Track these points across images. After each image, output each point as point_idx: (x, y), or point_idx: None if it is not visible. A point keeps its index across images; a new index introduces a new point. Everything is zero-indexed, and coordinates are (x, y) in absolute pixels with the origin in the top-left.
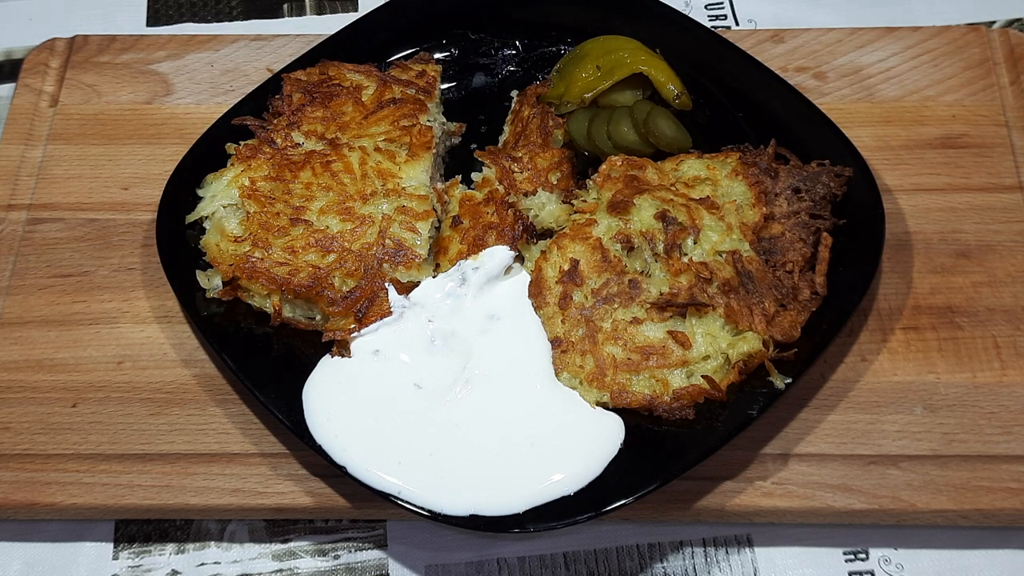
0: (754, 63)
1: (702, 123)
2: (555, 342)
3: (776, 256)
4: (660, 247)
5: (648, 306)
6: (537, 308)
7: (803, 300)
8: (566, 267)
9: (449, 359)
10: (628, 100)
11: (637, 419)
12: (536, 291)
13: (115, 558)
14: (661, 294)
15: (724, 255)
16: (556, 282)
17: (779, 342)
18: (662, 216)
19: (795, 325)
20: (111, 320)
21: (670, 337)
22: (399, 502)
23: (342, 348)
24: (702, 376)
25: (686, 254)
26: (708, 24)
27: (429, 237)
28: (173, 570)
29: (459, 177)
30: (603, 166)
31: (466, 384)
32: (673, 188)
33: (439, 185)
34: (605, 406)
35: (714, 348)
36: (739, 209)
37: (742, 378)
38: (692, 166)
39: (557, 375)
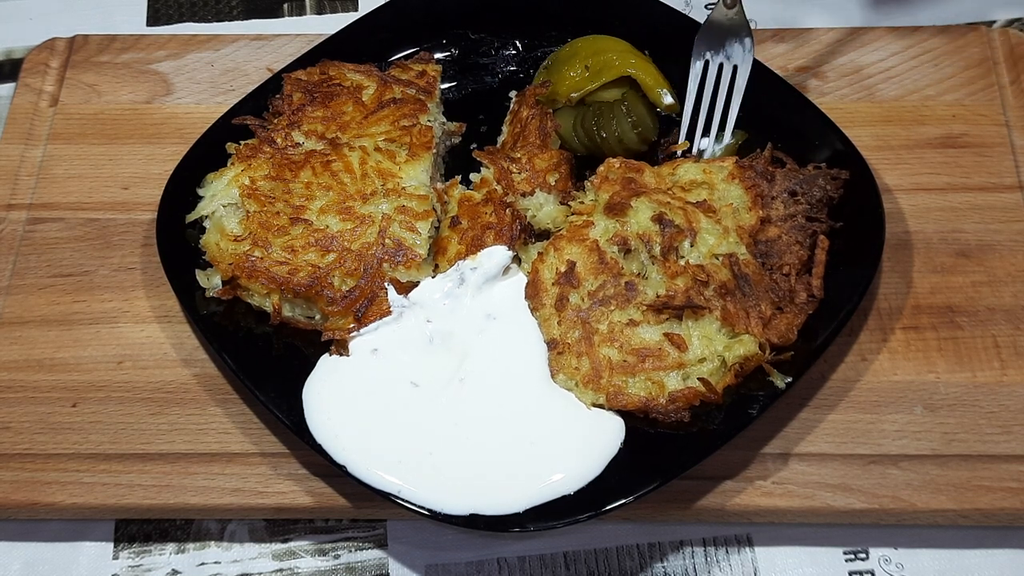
0: (754, 63)
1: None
2: (551, 344)
3: (773, 259)
4: (657, 250)
5: (644, 308)
6: (533, 310)
7: (799, 303)
8: (563, 269)
9: (447, 359)
10: (614, 99)
11: (637, 419)
12: (533, 292)
13: (115, 558)
14: (657, 296)
15: (720, 258)
16: (553, 284)
17: (775, 345)
18: (659, 219)
19: (791, 328)
20: (111, 320)
21: (666, 339)
22: (399, 501)
23: (340, 347)
24: (698, 379)
25: (683, 257)
26: None
27: (429, 237)
28: (173, 570)
29: (459, 177)
30: (601, 168)
31: (462, 383)
32: (670, 191)
33: (439, 185)
34: (601, 408)
35: (710, 351)
36: (736, 212)
37: (738, 381)
38: (689, 169)
39: (553, 377)
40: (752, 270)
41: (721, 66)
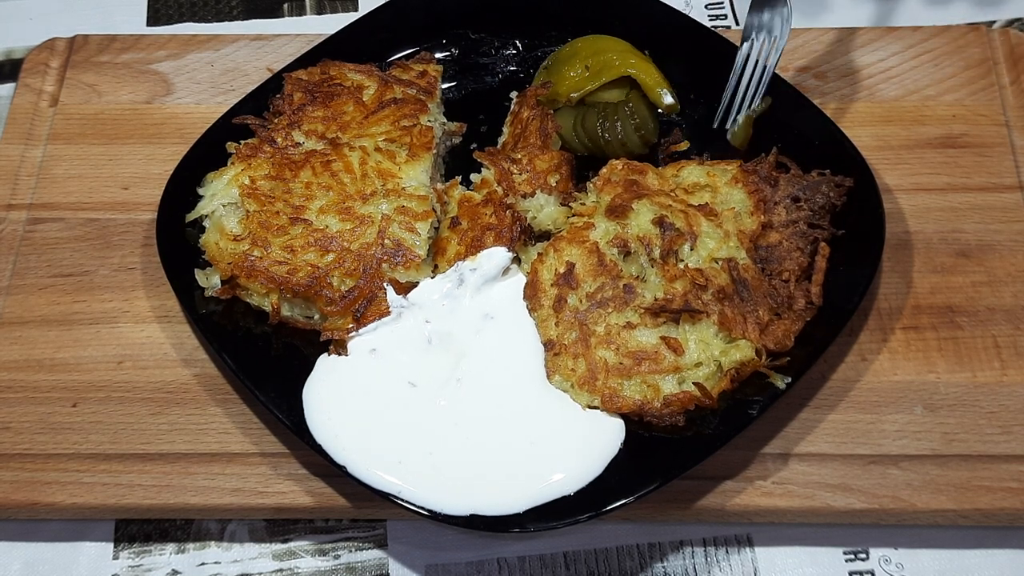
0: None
1: (700, 123)
2: (548, 344)
3: (773, 265)
4: (656, 252)
5: (642, 311)
6: (531, 310)
7: (798, 310)
8: (562, 270)
9: (445, 359)
10: (615, 99)
11: (632, 421)
12: (531, 293)
13: (115, 558)
14: (655, 299)
15: (720, 262)
16: (551, 285)
17: (772, 351)
18: (660, 222)
19: (788, 334)
20: (111, 320)
21: (663, 343)
22: (399, 502)
23: (339, 347)
24: (693, 383)
25: (682, 260)
26: (708, 24)
27: (428, 238)
28: (173, 570)
29: (459, 178)
30: (604, 170)
31: (460, 383)
32: (672, 194)
33: (439, 185)
34: (596, 410)
35: (707, 355)
36: (737, 217)
37: (734, 386)
38: (692, 172)
39: (549, 378)
40: (751, 275)
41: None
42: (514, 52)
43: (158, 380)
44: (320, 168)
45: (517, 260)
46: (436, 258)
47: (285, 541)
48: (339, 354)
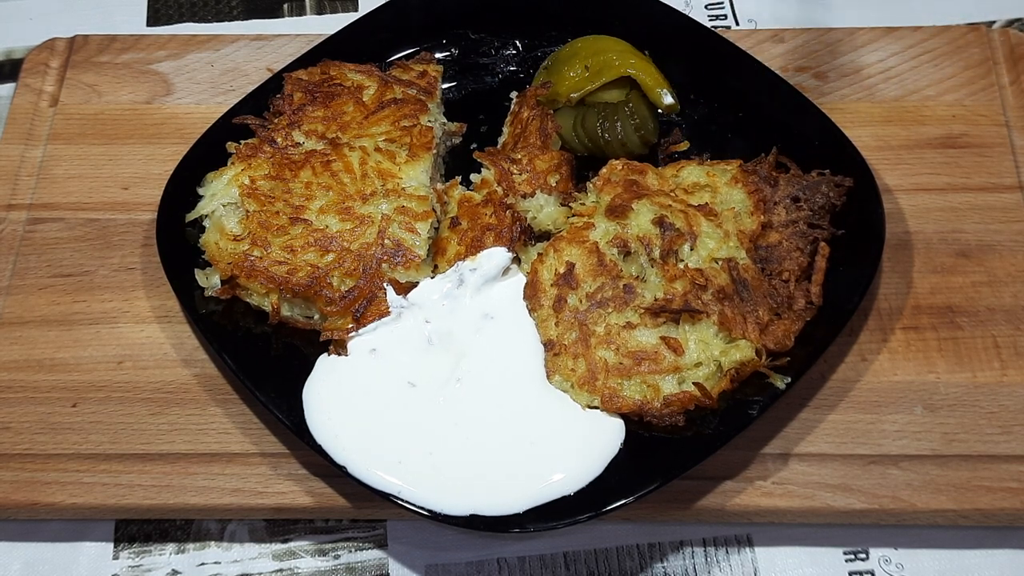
0: (754, 63)
1: (700, 123)
2: (548, 344)
3: (773, 265)
4: (656, 252)
5: (642, 311)
6: (531, 310)
7: (798, 310)
8: (562, 270)
9: (445, 359)
10: (615, 99)
11: (632, 421)
12: (531, 293)
13: (115, 558)
14: (655, 299)
15: (720, 262)
16: (551, 285)
17: (772, 351)
18: (660, 222)
19: (788, 334)
20: (111, 320)
21: (663, 343)
22: (399, 502)
23: (339, 347)
24: (693, 383)
25: (682, 260)
26: (708, 24)
27: (428, 238)
28: (173, 570)
29: (459, 178)
30: (603, 170)
31: (460, 383)
32: (672, 194)
33: (439, 185)
34: (596, 410)
35: (706, 355)
36: (737, 217)
37: (733, 386)
38: (692, 172)
39: (549, 378)
40: (751, 275)
41: None
42: (514, 52)
43: (158, 380)
44: (320, 168)
45: (517, 260)
46: (436, 258)
47: (285, 541)
48: (339, 354)
